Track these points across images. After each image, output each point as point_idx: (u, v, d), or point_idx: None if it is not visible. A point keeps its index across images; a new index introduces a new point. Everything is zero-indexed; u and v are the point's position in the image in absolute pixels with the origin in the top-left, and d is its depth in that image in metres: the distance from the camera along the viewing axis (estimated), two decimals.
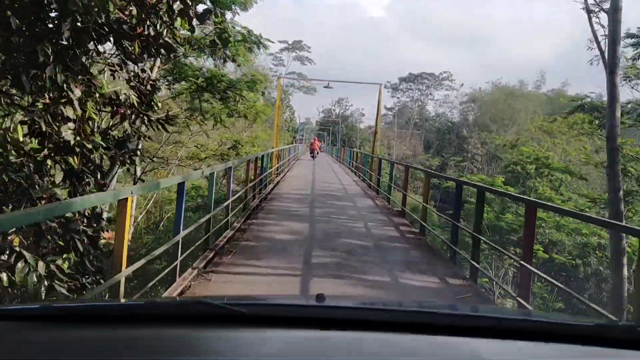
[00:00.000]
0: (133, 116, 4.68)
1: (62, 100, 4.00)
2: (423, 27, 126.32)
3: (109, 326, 1.21)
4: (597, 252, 22.09)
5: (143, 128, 5.13)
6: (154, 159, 16.46)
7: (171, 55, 5.01)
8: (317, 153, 37.13)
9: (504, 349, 1.19)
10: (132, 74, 4.76)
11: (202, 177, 6.36)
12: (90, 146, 4.16)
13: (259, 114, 16.48)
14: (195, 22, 4.98)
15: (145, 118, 4.80)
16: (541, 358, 1.18)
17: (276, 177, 16.50)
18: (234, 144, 18.52)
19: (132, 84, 4.75)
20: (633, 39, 15.87)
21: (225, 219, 7.13)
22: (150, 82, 4.89)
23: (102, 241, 4.72)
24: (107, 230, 4.93)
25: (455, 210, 7.21)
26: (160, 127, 5.05)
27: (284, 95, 51.63)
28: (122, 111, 4.68)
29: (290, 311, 1.37)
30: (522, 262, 4.46)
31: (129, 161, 4.64)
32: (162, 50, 4.74)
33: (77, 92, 3.98)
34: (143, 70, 4.93)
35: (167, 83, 12.83)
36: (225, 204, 7.12)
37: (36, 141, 4.08)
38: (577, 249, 30.21)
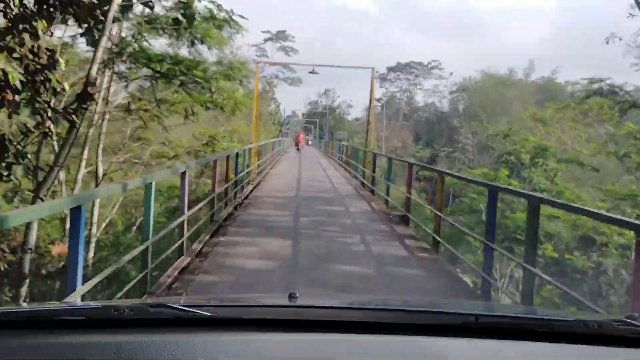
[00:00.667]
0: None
1: None
2: (412, 16, 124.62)
3: (60, 332, 1.13)
4: (605, 247, 20.71)
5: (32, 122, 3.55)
6: (120, 158, 14.80)
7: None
8: (302, 146, 40.32)
9: (478, 347, 1.15)
10: (16, 39, 3.20)
11: (140, 186, 4.67)
12: None
13: (238, 105, 14.84)
14: None
15: (40, 106, 3.23)
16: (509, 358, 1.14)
17: (257, 176, 14.98)
18: (210, 140, 16.79)
19: (16, 55, 3.19)
20: None
21: (180, 241, 5.51)
22: (47, 52, 3.33)
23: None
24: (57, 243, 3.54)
25: (488, 225, 5.33)
26: (68, 117, 3.49)
27: (268, 87, 49.91)
28: (5, 96, 3.11)
29: (259, 313, 1.31)
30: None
31: (5, 172, 3.09)
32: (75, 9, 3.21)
33: None
34: (33, 35, 3.35)
35: (121, 73, 11.13)
36: (176, 223, 5.44)
37: None
38: (575, 242, 29.08)
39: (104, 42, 9.48)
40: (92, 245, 13.60)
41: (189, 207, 5.79)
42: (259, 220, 8.27)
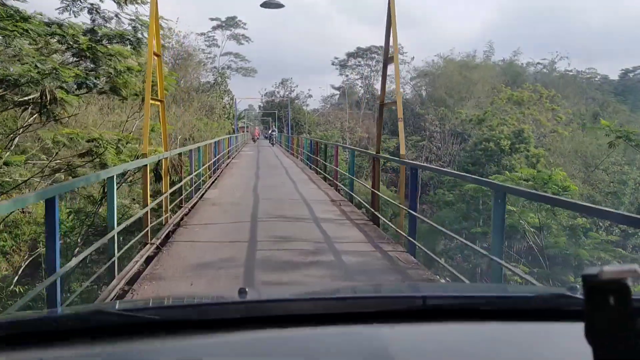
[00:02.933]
0: None
1: None
2: (355, 9, 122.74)
3: None
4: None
5: None
6: None
7: None
8: (257, 138, 48.87)
9: (422, 332, 1.15)
10: None
11: None
12: None
13: (129, 81, 9.31)
14: None
15: None
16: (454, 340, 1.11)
17: (186, 200, 10.55)
18: (94, 146, 9.21)
19: None
20: None
21: None
22: None
23: None
24: None
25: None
26: None
27: (221, 78, 45.87)
28: None
29: (207, 312, 1.22)
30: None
31: None
32: None
33: None
34: None
35: None
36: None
37: None
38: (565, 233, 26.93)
39: None
40: None
41: None
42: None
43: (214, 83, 47.27)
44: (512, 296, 1.38)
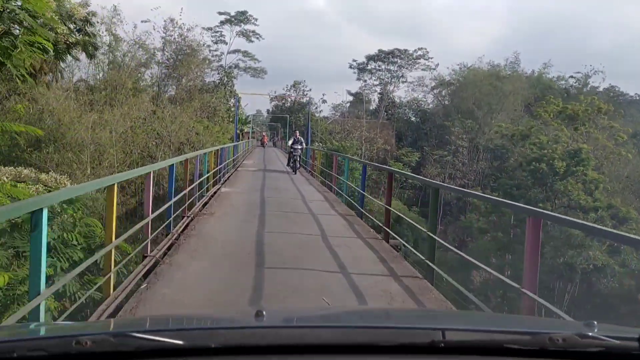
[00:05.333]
0: None
1: None
2: (364, 18, 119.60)
3: None
4: None
5: None
6: None
7: None
8: (266, 144, 48.59)
9: None
10: None
11: None
12: None
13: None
14: None
15: None
16: None
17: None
18: None
19: None
20: None
21: None
22: None
23: None
24: None
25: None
26: None
27: (227, 78, 41.56)
28: None
29: (225, 337, 1.27)
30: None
31: None
32: None
33: None
34: None
35: None
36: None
37: None
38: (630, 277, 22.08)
39: None
40: None
41: None
42: None
43: (219, 83, 42.98)
44: (533, 332, 1.34)
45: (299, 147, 18.52)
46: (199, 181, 9.78)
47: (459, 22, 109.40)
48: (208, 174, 11.58)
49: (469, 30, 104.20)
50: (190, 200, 8.57)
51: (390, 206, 7.65)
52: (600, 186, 24.02)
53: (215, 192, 11.75)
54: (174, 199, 7.01)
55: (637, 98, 57.53)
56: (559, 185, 23.74)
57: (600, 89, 49.63)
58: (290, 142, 19.41)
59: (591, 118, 26.44)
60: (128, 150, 25.93)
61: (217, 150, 14.91)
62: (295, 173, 18.35)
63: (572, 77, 52.91)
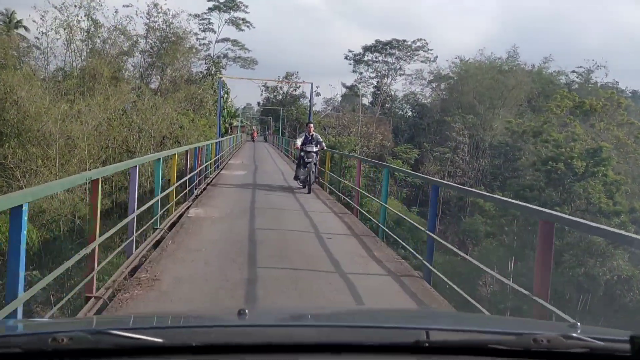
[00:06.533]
0: None
1: None
2: (354, 13, 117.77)
3: None
4: None
5: None
6: None
7: None
8: (256, 139, 47.67)
9: None
10: None
11: None
12: None
13: None
14: None
15: None
16: None
17: None
18: None
19: None
20: None
21: None
22: None
23: None
24: None
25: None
26: None
27: (214, 67, 39.04)
28: None
29: (207, 335, 1.24)
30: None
31: None
32: None
33: None
34: None
35: None
36: None
37: None
38: None
39: None
40: None
41: None
42: None
43: (207, 74, 40.49)
44: (517, 333, 1.33)
45: (315, 149, 11.63)
46: (145, 207, 6.29)
47: (448, 19, 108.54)
48: (167, 191, 7.83)
49: (458, 28, 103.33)
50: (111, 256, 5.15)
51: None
52: (621, 188, 22.02)
53: (178, 219, 7.82)
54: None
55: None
56: (578, 187, 21.67)
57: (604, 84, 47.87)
58: (299, 142, 12.00)
59: (609, 114, 24.41)
60: (104, 144, 23.42)
61: (188, 151, 10.63)
62: (310, 192, 11.76)
63: (574, 72, 51.07)
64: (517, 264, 24.29)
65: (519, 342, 1.25)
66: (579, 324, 1.35)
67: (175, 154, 8.95)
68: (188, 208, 8.88)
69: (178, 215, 8.10)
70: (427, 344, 1.19)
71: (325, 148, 12.75)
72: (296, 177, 12.55)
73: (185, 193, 9.64)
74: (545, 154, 22.77)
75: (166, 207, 7.83)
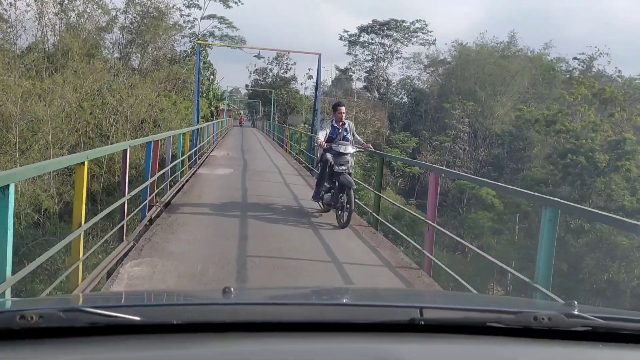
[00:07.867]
0: None
1: None
2: None
3: None
4: None
5: None
6: None
7: None
8: (244, 124, 47.10)
9: (423, 348, 1.09)
10: None
11: None
12: None
13: None
14: None
15: None
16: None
17: None
18: None
19: None
20: None
21: None
22: None
23: None
24: None
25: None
26: None
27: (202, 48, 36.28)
28: None
29: (190, 313, 1.14)
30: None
31: None
32: None
33: None
34: None
35: None
36: None
37: None
38: None
39: None
40: None
41: None
42: None
43: (191, 52, 37.78)
44: (516, 311, 1.23)
45: (351, 150, 7.06)
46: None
47: (436, 4, 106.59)
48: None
49: (449, 14, 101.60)
50: None
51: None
52: None
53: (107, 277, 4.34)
54: None
55: None
56: (599, 182, 19.71)
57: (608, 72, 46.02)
58: (321, 136, 7.21)
59: (631, 103, 22.46)
60: (74, 128, 20.82)
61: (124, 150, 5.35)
62: (347, 225, 6.70)
63: (575, 59, 49.08)
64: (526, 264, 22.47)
65: (519, 320, 1.17)
66: (575, 302, 1.26)
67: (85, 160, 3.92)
68: (126, 253, 4.77)
69: (107, 270, 4.41)
70: (422, 322, 1.13)
71: (371, 148, 7.88)
72: (318, 197, 7.37)
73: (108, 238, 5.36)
74: (563, 145, 20.73)
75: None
